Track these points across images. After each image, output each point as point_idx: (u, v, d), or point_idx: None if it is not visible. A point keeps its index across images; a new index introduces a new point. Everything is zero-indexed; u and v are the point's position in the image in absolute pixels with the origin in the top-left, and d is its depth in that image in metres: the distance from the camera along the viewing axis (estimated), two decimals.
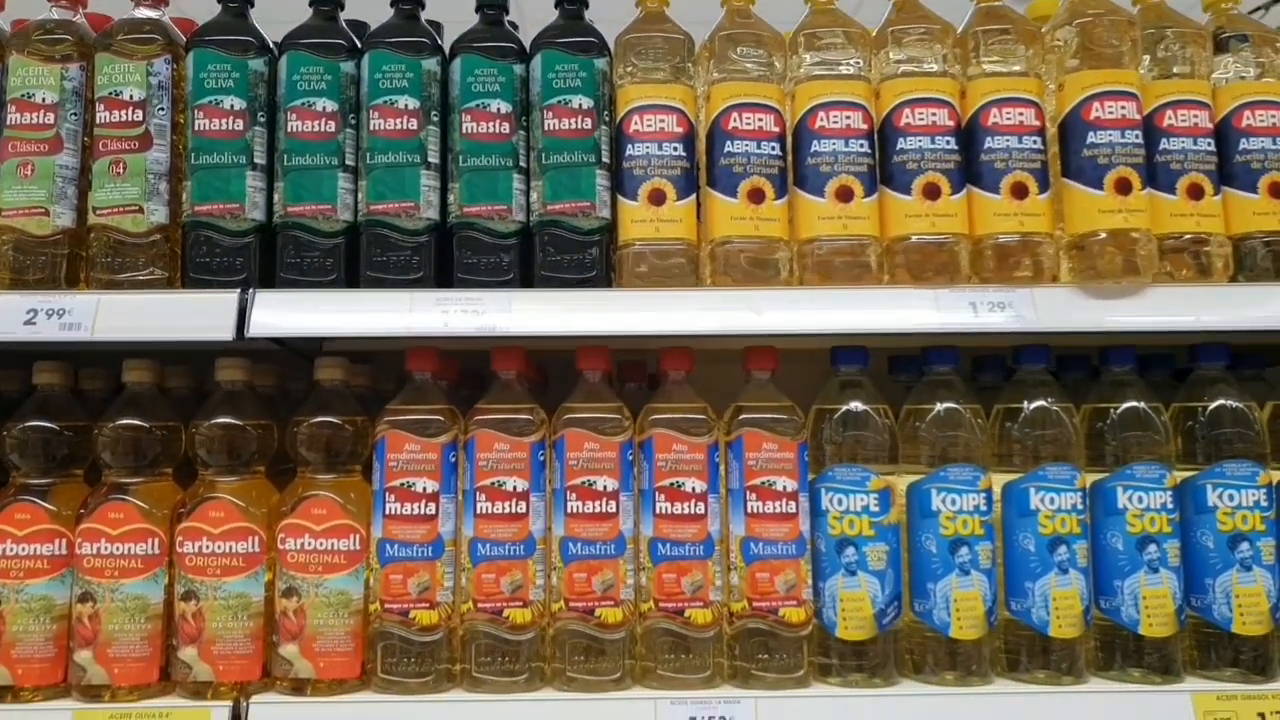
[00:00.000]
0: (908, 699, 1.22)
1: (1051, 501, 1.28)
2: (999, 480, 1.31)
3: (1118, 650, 1.28)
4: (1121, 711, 1.21)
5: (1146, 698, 1.22)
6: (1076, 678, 1.26)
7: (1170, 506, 1.28)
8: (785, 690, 1.23)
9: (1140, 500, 1.28)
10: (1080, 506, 1.28)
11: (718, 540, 1.28)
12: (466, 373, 1.50)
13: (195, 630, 1.23)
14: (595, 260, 1.32)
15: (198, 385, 1.50)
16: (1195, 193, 1.34)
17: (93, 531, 1.24)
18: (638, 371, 1.56)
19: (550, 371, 1.63)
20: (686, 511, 1.28)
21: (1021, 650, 1.28)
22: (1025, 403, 1.33)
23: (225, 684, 1.23)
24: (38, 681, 1.23)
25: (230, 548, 1.24)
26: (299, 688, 1.23)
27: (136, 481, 1.28)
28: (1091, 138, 1.32)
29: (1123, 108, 1.33)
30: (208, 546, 1.24)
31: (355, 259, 1.33)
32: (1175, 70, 1.39)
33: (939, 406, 1.33)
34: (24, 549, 1.24)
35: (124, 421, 1.28)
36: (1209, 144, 1.36)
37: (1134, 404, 1.33)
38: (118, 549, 1.24)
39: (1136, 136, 1.32)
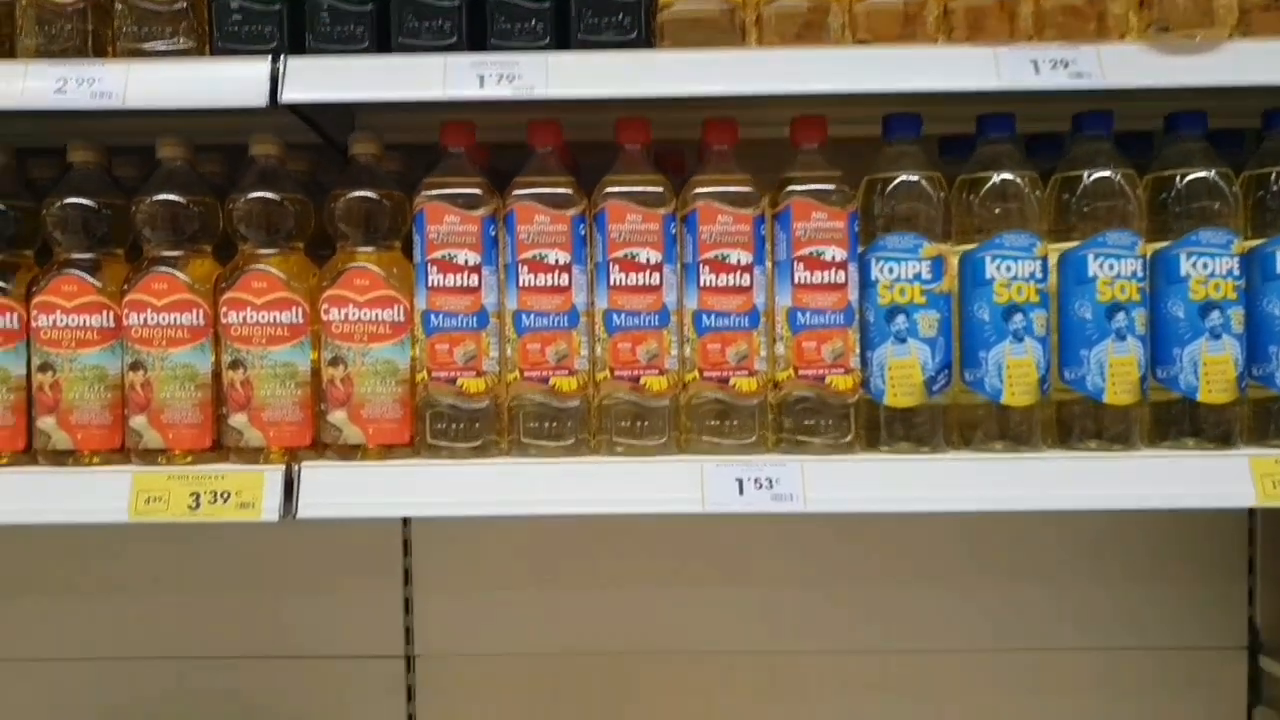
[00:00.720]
0: (957, 463, 1.22)
1: (1110, 268, 1.23)
2: (1055, 250, 1.27)
3: (1173, 422, 1.26)
4: (1177, 476, 1.19)
5: (1202, 462, 1.20)
6: (1129, 447, 1.24)
7: (1236, 273, 1.23)
8: (832, 455, 1.23)
9: (1204, 266, 1.23)
10: (1140, 273, 1.24)
11: (763, 311, 1.26)
12: (494, 171, 1.46)
13: (244, 398, 1.24)
14: (635, 21, 1.26)
15: (229, 174, 1.47)
16: None
17: (138, 302, 1.25)
18: (675, 160, 1.51)
19: (584, 167, 1.59)
20: (731, 283, 1.26)
21: (1074, 422, 1.26)
22: (1085, 171, 1.27)
23: (276, 450, 1.25)
24: (97, 446, 1.25)
25: (274, 317, 1.24)
26: (349, 453, 1.25)
27: (178, 254, 1.27)
28: None
29: None
30: (251, 316, 1.24)
31: (386, 26, 1.28)
32: None
33: (995, 176, 1.27)
34: (74, 320, 1.25)
35: (163, 195, 1.27)
36: None
37: (1202, 172, 1.27)
38: (164, 319, 1.24)
39: None
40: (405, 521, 1.73)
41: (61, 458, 1.26)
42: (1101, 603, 1.74)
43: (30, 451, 1.27)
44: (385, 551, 1.73)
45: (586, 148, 1.41)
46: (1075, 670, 1.74)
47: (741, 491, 1.19)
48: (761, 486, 1.19)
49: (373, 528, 1.72)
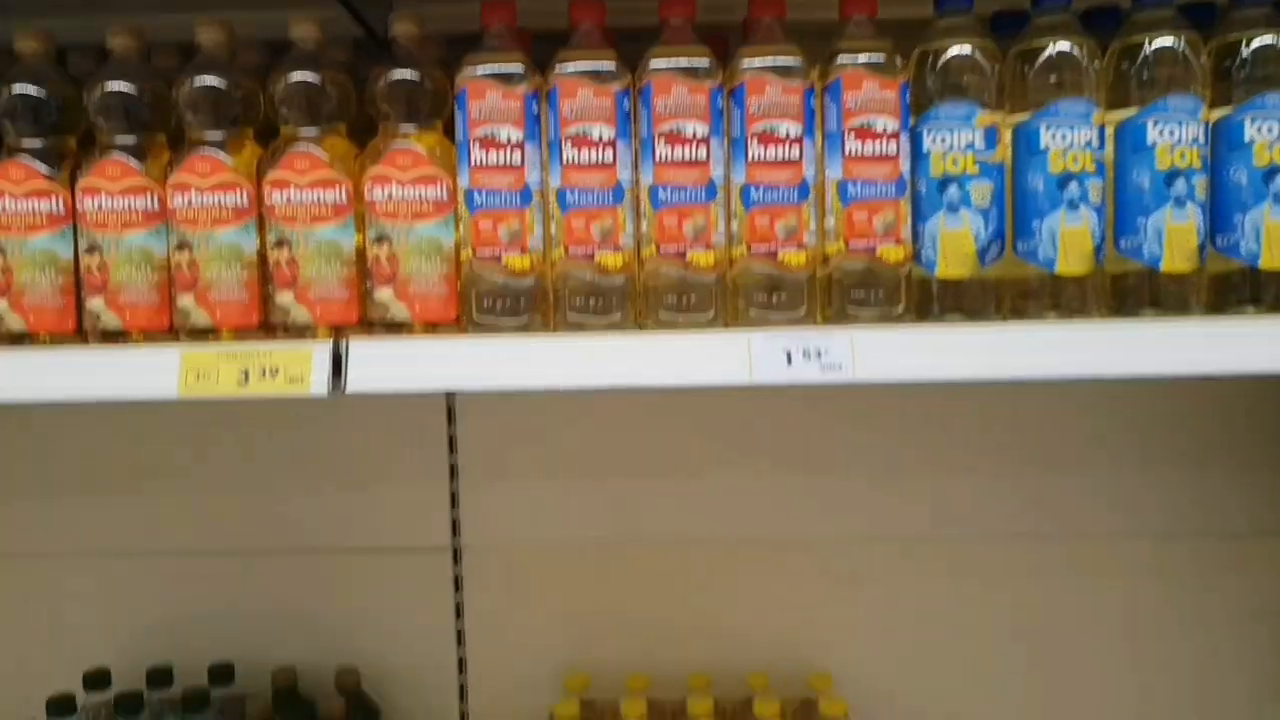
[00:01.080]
0: (1009, 331, 1.19)
1: (1171, 134, 1.20)
2: (1113, 119, 1.23)
3: (1232, 290, 1.23)
4: (1234, 342, 1.16)
5: (1262, 326, 1.17)
6: (1186, 315, 1.22)
7: None
8: (882, 326, 1.21)
9: (1270, 130, 1.20)
10: (1201, 139, 1.21)
11: (813, 185, 1.24)
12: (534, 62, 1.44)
13: (290, 276, 1.24)
14: None
15: (267, 69, 1.46)
16: None
17: (183, 184, 1.25)
18: (719, 46, 1.48)
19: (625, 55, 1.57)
20: (779, 157, 1.23)
21: (1129, 293, 1.24)
22: (1146, 37, 1.23)
23: (323, 327, 1.25)
24: (145, 325, 1.26)
25: (318, 196, 1.24)
26: (395, 330, 1.25)
27: (219, 137, 1.26)
28: None
29: None
30: (295, 196, 1.24)
31: None
32: None
33: (1050, 44, 1.24)
34: (119, 202, 1.25)
35: (206, 76, 1.26)
36: None
37: (1270, 38, 1.22)
38: (208, 199, 1.24)
39: None
40: (450, 419, 1.75)
41: (111, 337, 1.26)
42: (1145, 489, 1.73)
43: (80, 332, 1.28)
44: (431, 448, 1.76)
45: (626, 37, 1.39)
46: (1118, 556, 1.74)
47: (790, 362, 1.18)
48: (810, 357, 1.18)
49: (420, 427, 1.75)
